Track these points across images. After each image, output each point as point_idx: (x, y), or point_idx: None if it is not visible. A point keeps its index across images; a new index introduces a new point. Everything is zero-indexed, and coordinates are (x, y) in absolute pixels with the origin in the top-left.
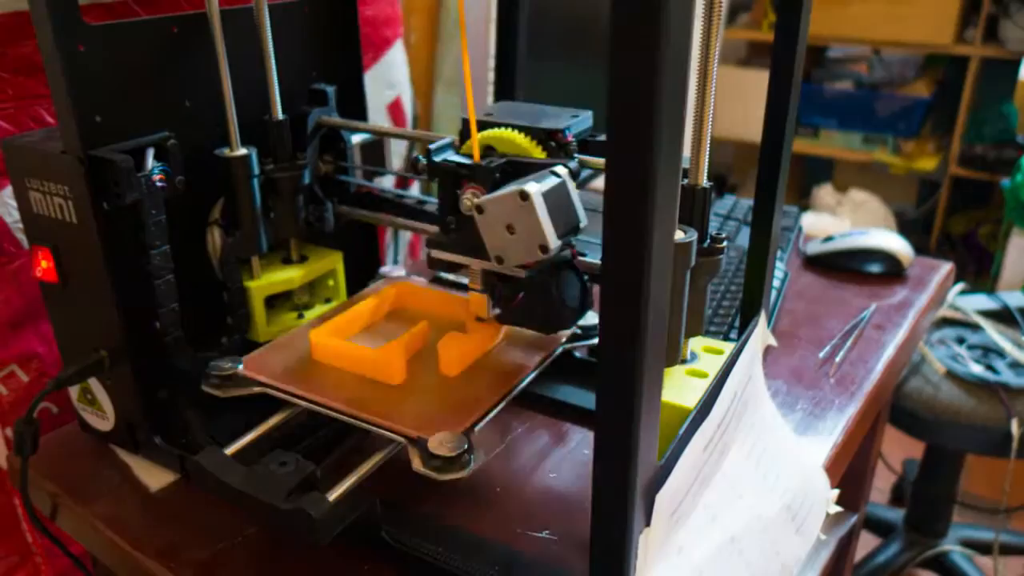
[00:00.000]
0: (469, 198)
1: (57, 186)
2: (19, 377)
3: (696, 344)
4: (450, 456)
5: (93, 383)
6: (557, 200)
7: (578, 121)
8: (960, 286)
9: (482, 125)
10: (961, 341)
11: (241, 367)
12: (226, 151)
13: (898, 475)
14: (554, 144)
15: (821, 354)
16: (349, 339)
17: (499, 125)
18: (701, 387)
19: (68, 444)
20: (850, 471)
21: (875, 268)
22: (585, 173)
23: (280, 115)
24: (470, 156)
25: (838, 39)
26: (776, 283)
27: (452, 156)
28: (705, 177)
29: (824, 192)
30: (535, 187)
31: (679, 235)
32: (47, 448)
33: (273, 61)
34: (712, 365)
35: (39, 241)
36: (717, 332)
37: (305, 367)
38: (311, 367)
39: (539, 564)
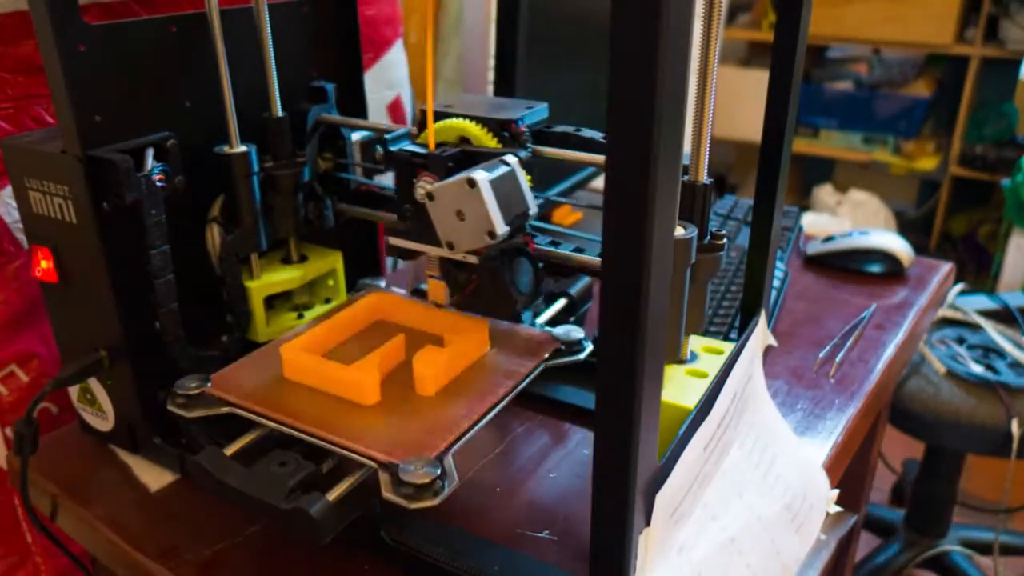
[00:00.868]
0: (423, 186)
1: (57, 186)
2: (19, 377)
3: (696, 344)
4: (421, 483)
5: (93, 383)
6: (505, 187)
7: (532, 112)
8: (960, 286)
9: (439, 116)
10: (961, 341)
11: (209, 385)
12: (225, 148)
13: (898, 475)
14: (508, 134)
15: (821, 354)
16: (323, 355)
17: (455, 116)
18: (701, 387)
19: (68, 444)
20: (850, 471)
21: (875, 268)
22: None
23: (280, 112)
24: (425, 146)
25: (838, 39)
26: (776, 283)
27: (408, 146)
28: (705, 173)
29: (824, 192)
30: (483, 175)
31: (679, 231)
32: (47, 448)
33: (273, 60)
34: (712, 365)
35: (39, 241)
36: (717, 332)
37: (276, 386)
38: (282, 386)
39: (539, 564)
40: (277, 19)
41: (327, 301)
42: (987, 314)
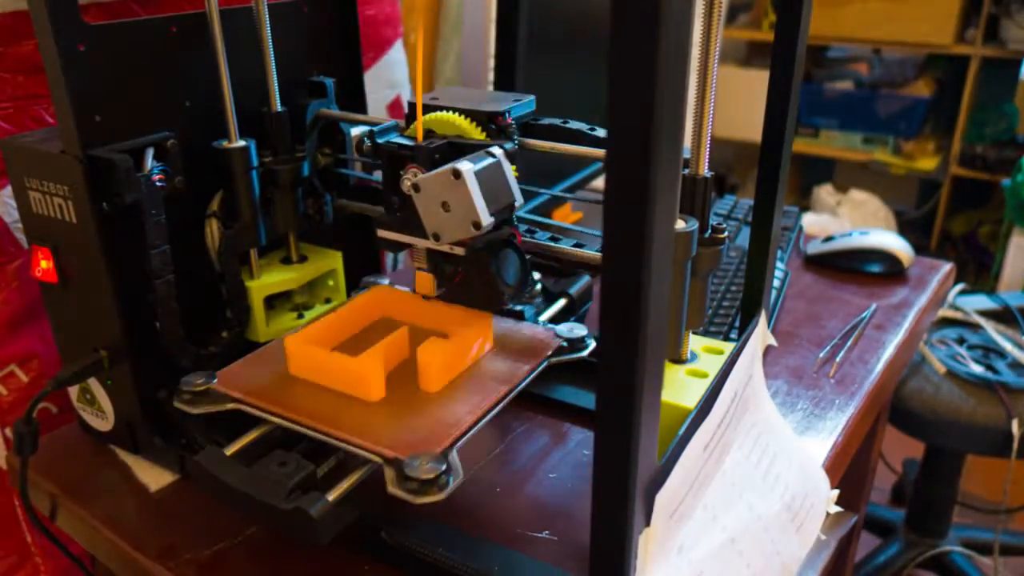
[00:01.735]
0: (409, 178)
1: (57, 186)
2: (19, 377)
3: (696, 344)
4: (426, 478)
5: (92, 383)
6: (490, 179)
7: (519, 105)
8: (960, 286)
9: (427, 109)
10: (961, 341)
11: (215, 382)
12: (224, 143)
13: (898, 475)
14: (495, 127)
15: (821, 354)
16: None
17: (443, 108)
18: (701, 387)
19: (67, 444)
20: (850, 471)
21: (875, 268)
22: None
23: (279, 107)
24: (413, 139)
25: (838, 39)
26: (776, 283)
27: (396, 138)
28: (706, 167)
29: (824, 192)
30: (468, 166)
31: (680, 224)
32: (46, 448)
33: (272, 60)
34: (712, 365)
35: (39, 241)
36: (717, 332)
37: (281, 382)
38: (287, 382)
39: (539, 565)
40: (277, 19)
41: (327, 301)
42: (987, 314)
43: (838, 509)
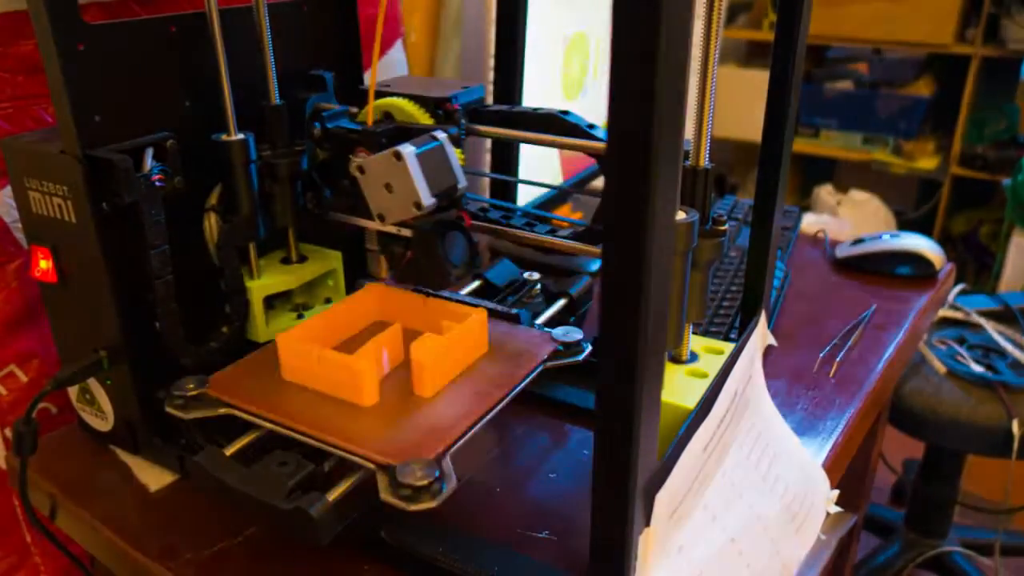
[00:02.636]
0: (356, 160)
1: (56, 186)
2: (18, 377)
3: (696, 344)
4: (419, 485)
5: (92, 383)
6: (433, 161)
7: (467, 92)
8: (961, 286)
9: (378, 95)
10: (962, 341)
11: (207, 387)
12: (223, 136)
13: (898, 475)
14: (442, 112)
15: (821, 354)
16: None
17: (393, 95)
18: (701, 387)
19: (67, 444)
20: (850, 471)
21: (906, 271)
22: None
23: (277, 100)
24: (363, 124)
25: (838, 39)
26: (776, 283)
27: (346, 123)
28: (707, 159)
29: (824, 192)
30: (409, 148)
31: (680, 215)
32: (46, 448)
33: (272, 60)
34: (712, 365)
35: (38, 241)
36: (717, 332)
37: (274, 387)
38: (280, 387)
39: (538, 565)
40: (277, 19)
41: (327, 301)
42: (988, 314)
43: (838, 509)
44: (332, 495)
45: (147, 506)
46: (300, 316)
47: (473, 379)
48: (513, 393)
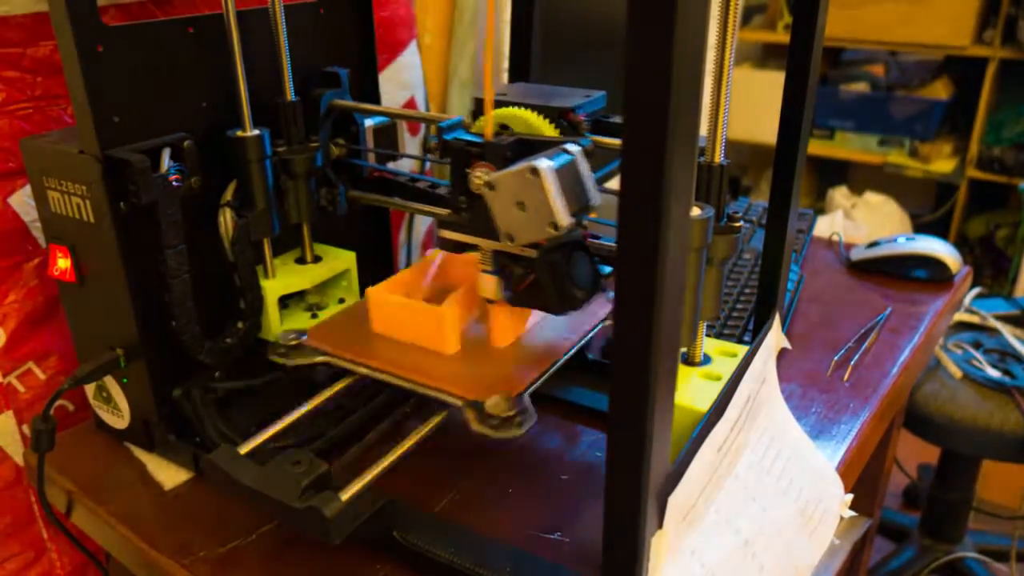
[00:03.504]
0: (479, 176)
1: (75, 186)
2: (36, 375)
3: (710, 346)
4: (505, 416)
5: (109, 381)
6: (568, 177)
7: (590, 101)
8: (977, 290)
9: (494, 105)
10: (978, 345)
11: (305, 338)
12: (238, 132)
13: (913, 480)
14: (566, 123)
15: (836, 357)
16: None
17: (511, 104)
18: (714, 390)
19: (84, 442)
20: (864, 475)
21: (922, 274)
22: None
23: (292, 96)
24: (481, 136)
25: (854, 40)
26: (790, 285)
27: (463, 135)
28: (722, 155)
29: (839, 194)
30: (546, 163)
31: (695, 211)
32: (63, 445)
33: (288, 62)
34: (726, 367)
35: (57, 240)
36: (731, 334)
37: (366, 338)
38: (371, 339)
39: (550, 566)
40: (293, 20)
41: (341, 301)
42: (1004, 318)
43: (852, 513)
44: (345, 495)
45: (162, 503)
46: (314, 315)
47: (542, 333)
48: (579, 345)
